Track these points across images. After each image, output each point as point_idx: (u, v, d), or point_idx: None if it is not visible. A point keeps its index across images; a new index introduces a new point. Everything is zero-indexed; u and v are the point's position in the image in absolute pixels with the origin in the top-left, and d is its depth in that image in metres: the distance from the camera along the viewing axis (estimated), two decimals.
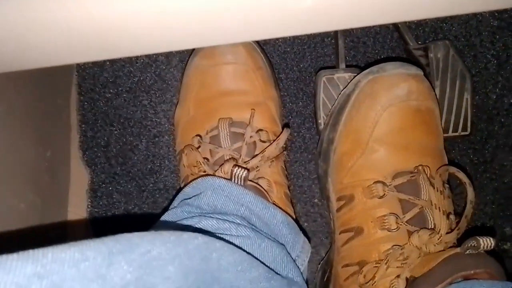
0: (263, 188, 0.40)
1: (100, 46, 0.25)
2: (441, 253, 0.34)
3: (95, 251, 0.20)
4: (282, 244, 0.37)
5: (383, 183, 0.38)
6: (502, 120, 0.53)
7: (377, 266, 0.36)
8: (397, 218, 0.37)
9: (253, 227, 0.36)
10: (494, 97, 0.53)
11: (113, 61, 0.53)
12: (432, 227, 0.37)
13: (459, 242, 0.35)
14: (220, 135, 0.41)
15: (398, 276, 0.35)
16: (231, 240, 0.32)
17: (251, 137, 0.41)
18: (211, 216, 0.35)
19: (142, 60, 0.53)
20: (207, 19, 0.24)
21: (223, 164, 0.39)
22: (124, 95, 0.53)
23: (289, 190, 0.45)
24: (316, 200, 0.52)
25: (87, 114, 0.53)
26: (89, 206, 0.52)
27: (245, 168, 0.38)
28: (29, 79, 0.42)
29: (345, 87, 0.44)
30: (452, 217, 0.38)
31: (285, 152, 0.45)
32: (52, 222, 0.45)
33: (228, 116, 0.42)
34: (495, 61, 0.52)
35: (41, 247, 0.20)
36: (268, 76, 0.45)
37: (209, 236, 0.28)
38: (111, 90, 0.53)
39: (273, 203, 0.40)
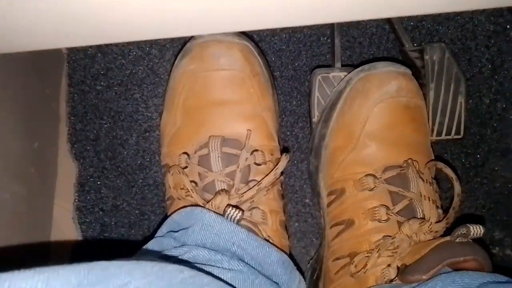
0: (255, 222, 0.37)
1: (91, 30, 0.24)
2: (431, 241, 0.35)
3: (62, 283, 0.18)
4: (277, 283, 0.36)
5: (374, 176, 0.39)
6: (495, 124, 0.53)
7: (368, 256, 0.37)
8: (387, 209, 0.38)
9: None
10: (488, 101, 0.53)
11: (105, 53, 0.52)
12: (421, 217, 0.37)
13: (447, 234, 0.35)
14: (210, 156, 0.38)
15: (389, 265, 0.36)
16: (222, 274, 0.30)
17: (246, 159, 0.38)
18: (201, 248, 0.32)
19: (134, 53, 0.52)
20: (202, 6, 0.24)
21: (214, 196, 0.36)
22: (116, 88, 0.52)
23: (284, 211, 0.42)
24: (307, 200, 0.52)
25: (77, 106, 0.52)
26: (76, 200, 0.51)
27: (240, 209, 0.35)
28: (18, 68, 0.40)
29: (337, 84, 0.44)
30: (440, 210, 0.39)
31: (282, 177, 0.42)
32: (37, 214, 0.44)
33: (220, 131, 0.38)
34: (489, 66, 0.52)
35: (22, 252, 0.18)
36: (265, 82, 0.42)
37: (198, 268, 0.26)
38: (102, 83, 0.52)
39: (267, 238, 0.38)
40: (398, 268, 0.36)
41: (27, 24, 0.23)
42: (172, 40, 0.52)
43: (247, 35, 0.43)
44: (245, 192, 0.37)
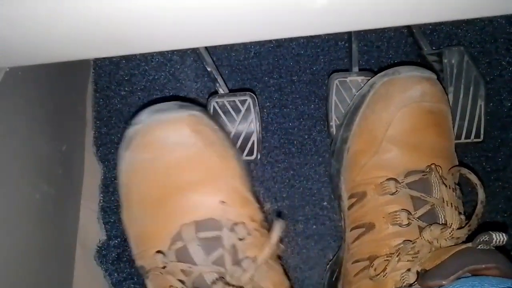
0: None
1: (116, 42, 0.26)
2: (452, 247, 0.34)
3: None
4: None
5: (396, 180, 0.39)
6: None
7: (388, 260, 0.37)
8: (408, 214, 0.38)
9: None
10: (509, 104, 0.52)
11: (128, 60, 0.54)
12: (443, 223, 0.37)
13: (469, 240, 0.35)
14: (188, 248, 0.33)
15: (408, 270, 0.35)
16: None
17: (228, 238, 0.34)
18: None
19: (157, 59, 0.54)
20: (218, 17, 0.25)
21: None
22: (139, 93, 0.54)
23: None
24: (325, 203, 0.52)
25: (102, 110, 0.54)
26: (101, 200, 0.52)
27: None
28: (48, 75, 0.43)
29: (360, 88, 0.45)
30: (462, 216, 0.38)
31: (282, 246, 0.37)
32: (64, 214, 0.46)
33: (190, 217, 0.34)
34: (510, 68, 0.52)
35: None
36: (223, 148, 0.37)
37: None
38: (126, 88, 0.54)
39: None
40: (417, 273, 0.35)
41: (56, 37, 0.24)
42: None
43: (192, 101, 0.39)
44: (241, 275, 0.33)
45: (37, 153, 0.40)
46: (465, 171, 0.39)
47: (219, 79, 0.50)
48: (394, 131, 0.40)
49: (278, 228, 0.34)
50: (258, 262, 0.34)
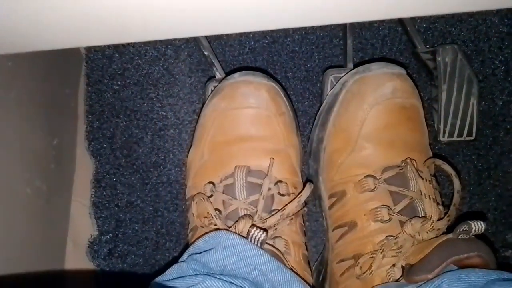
0: (280, 251, 0.37)
1: (109, 30, 0.25)
2: (434, 239, 0.35)
3: None
4: None
5: (373, 177, 0.39)
6: (508, 126, 0.52)
7: (372, 257, 0.37)
8: (389, 209, 0.38)
9: None
10: (501, 103, 0.52)
11: (121, 54, 0.53)
12: (423, 216, 0.38)
13: (449, 230, 0.36)
14: (235, 185, 0.38)
15: (393, 265, 0.36)
16: None
17: (269, 189, 0.38)
18: (217, 277, 0.32)
19: (150, 53, 0.53)
20: (216, 6, 0.25)
21: (238, 220, 0.36)
22: (132, 88, 0.53)
23: (307, 247, 0.42)
24: (317, 200, 0.52)
25: (94, 105, 0.53)
26: (93, 196, 0.52)
27: (264, 230, 0.35)
28: (39, 68, 0.42)
29: (332, 87, 0.45)
30: (440, 207, 0.39)
31: (305, 208, 0.42)
32: (56, 208, 0.45)
33: (246, 162, 0.39)
34: (502, 67, 0.52)
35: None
36: (290, 121, 0.43)
37: None
38: (119, 82, 0.53)
39: (291, 268, 0.37)
40: (402, 267, 0.36)
41: (46, 23, 0.24)
42: (187, 41, 0.53)
43: (274, 78, 0.45)
44: (267, 217, 0.37)
45: (28, 147, 0.39)
46: (439, 162, 0.40)
47: (216, 64, 0.50)
48: (368, 129, 0.40)
49: (308, 189, 0.39)
50: (285, 212, 0.37)
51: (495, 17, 0.52)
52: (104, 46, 0.53)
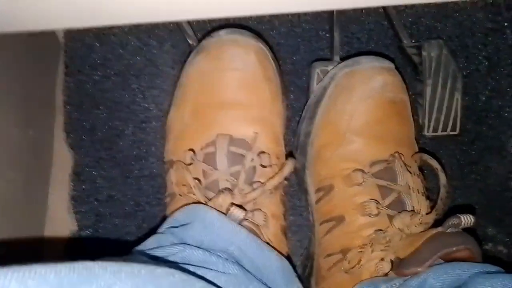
0: (258, 225, 0.37)
1: (90, 11, 0.24)
2: (423, 233, 0.35)
3: (40, 282, 0.17)
4: None
5: (362, 171, 0.39)
6: (490, 122, 0.53)
7: (361, 251, 0.37)
8: (377, 203, 0.38)
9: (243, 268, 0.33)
10: (484, 98, 0.53)
11: (103, 43, 0.52)
12: (411, 210, 0.38)
13: (437, 224, 0.36)
14: (216, 154, 0.37)
15: (382, 259, 0.36)
16: (216, 278, 0.29)
17: (251, 160, 0.37)
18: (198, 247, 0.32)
19: (133, 43, 0.52)
20: None
21: (217, 194, 0.35)
22: (113, 78, 0.52)
23: (285, 218, 0.42)
24: (303, 195, 0.52)
25: (73, 95, 0.51)
26: (72, 189, 0.50)
27: (243, 209, 0.35)
28: (15, 55, 0.40)
29: (319, 80, 0.44)
30: (427, 201, 0.39)
31: (286, 182, 0.41)
32: (32, 202, 0.43)
33: (228, 131, 0.38)
34: (486, 63, 0.53)
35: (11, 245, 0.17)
36: (277, 88, 0.41)
37: (190, 271, 0.25)
38: (99, 72, 0.52)
39: (267, 241, 0.37)
40: (391, 261, 0.36)
41: (23, 3, 0.22)
42: (171, 31, 0.52)
43: (263, 39, 0.42)
44: (248, 192, 0.36)
45: (1, 137, 0.37)
46: (426, 156, 0.40)
47: None
48: (357, 123, 0.40)
49: (290, 164, 0.39)
50: (266, 187, 0.37)
51: (480, 13, 0.52)
52: (84, 34, 0.51)
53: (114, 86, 0.51)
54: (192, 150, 0.38)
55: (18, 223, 0.40)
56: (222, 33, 0.40)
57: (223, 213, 0.35)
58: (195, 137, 0.39)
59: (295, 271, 0.38)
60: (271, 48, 0.43)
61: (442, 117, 0.49)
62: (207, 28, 0.52)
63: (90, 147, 0.51)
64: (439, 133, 0.50)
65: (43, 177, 0.47)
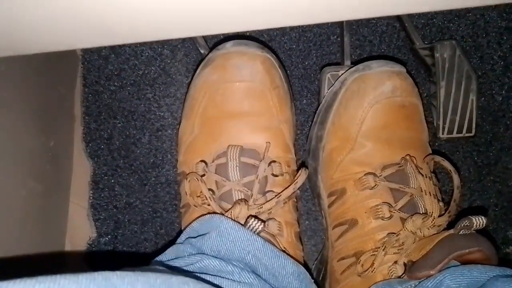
0: (272, 233, 0.37)
1: (104, 32, 0.25)
2: (435, 235, 0.35)
3: None
4: None
5: (374, 174, 0.39)
6: (508, 122, 0.52)
7: (374, 254, 0.37)
8: (390, 206, 0.38)
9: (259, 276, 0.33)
10: (500, 99, 0.52)
11: (118, 54, 0.53)
12: (423, 212, 0.37)
13: (450, 226, 0.36)
14: (228, 165, 0.38)
15: (395, 262, 0.36)
16: (231, 286, 0.30)
17: (264, 170, 0.38)
18: (215, 256, 0.32)
19: (147, 54, 0.53)
20: (210, 6, 0.24)
21: (233, 206, 0.36)
22: (128, 88, 0.53)
23: (299, 223, 0.42)
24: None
25: (91, 106, 0.53)
26: (91, 197, 0.52)
27: (262, 221, 0.35)
28: (35, 69, 0.42)
29: (332, 85, 0.44)
30: (441, 203, 0.39)
31: (298, 191, 0.42)
32: (53, 211, 0.45)
33: (238, 141, 0.39)
34: (501, 63, 0.52)
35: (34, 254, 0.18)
36: (284, 95, 0.42)
37: (206, 280, 0.26)
38: (115, 83, 0.53)
39: (283, 250, 0.37)
40: (404, 264, 0.36)
41: (41, 26, 0.23)
42: (184, 40, 0.53)
43: (269, 47, 0.43)
44: (263, 203, 0.37)
45: (24, 149, 0.39)
46: (438, 158, 0.40)
47: None
48: (368, 127, 0.40)
49: (303, 175, 0.39)
50: (281, 198, 0.37)
51: (494, 12, 0.52)
52: (100, 47, 0.53)
53: (129, 96, 0.53)
54: (203, 161, 0.39)
55: (40, 230, 0.41)
56: (229, 45, 0.40)
57: (241, 224, 0.35)
58: (206, 149, 0.39)
59: (312, 276, 0.38)
60: (278, 56, 0.44)
61: (457, 119, 0.49)
62: (219, 37, 0.52)
63: (108, 156, 0.53)
64: (455, 135, 0.49)
65: (64, 186, 0.48)
